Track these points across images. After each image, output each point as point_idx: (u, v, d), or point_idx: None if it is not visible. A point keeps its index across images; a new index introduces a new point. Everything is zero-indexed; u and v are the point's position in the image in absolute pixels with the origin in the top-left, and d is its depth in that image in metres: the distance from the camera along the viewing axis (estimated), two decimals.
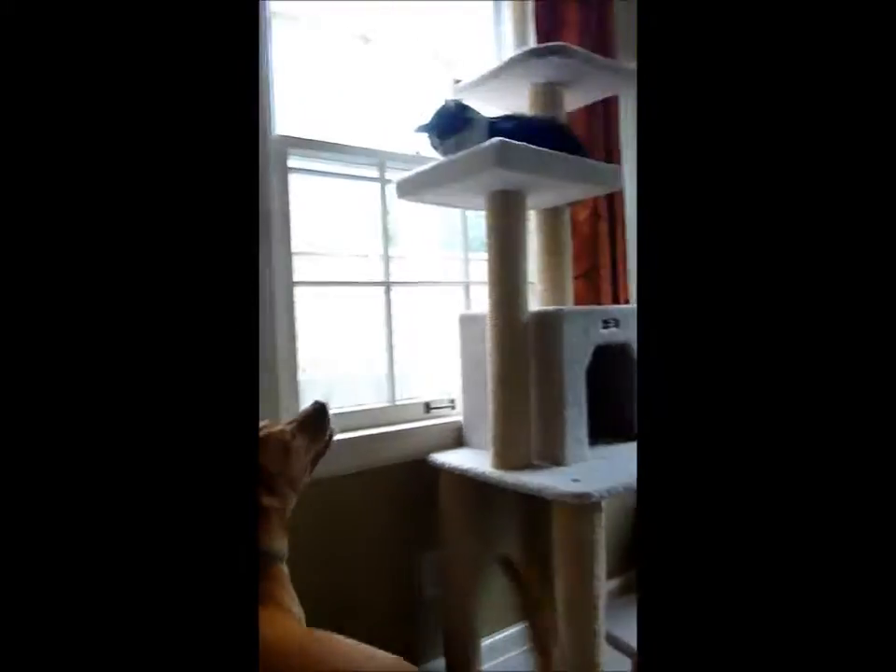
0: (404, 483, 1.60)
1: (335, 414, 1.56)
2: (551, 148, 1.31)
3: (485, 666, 1.67)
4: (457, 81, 1.65)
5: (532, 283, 1.72)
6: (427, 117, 1.38)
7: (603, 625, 1.27)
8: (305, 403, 1.21)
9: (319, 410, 1.15)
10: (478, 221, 1.90)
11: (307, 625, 1.03)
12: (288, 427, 1.09)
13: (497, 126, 1.34)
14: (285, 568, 1.05)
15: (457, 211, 1.89)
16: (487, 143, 1.24)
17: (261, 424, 1.08)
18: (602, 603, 1.26)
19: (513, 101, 1.64)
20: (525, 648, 1.84)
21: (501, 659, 1.78)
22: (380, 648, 1.51)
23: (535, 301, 1.70)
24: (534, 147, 1.28)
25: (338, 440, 1.43)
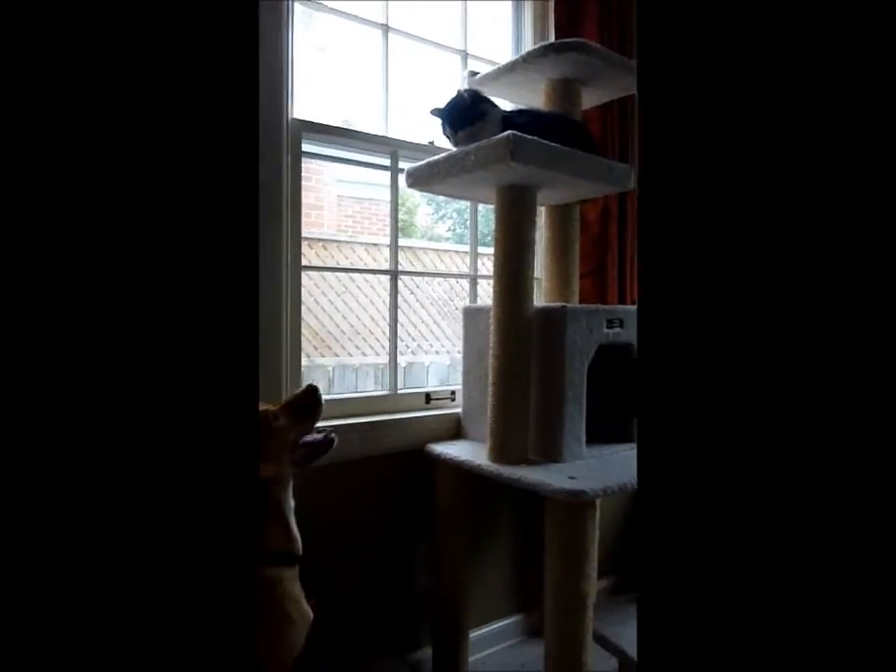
0: (402, 472, 1.61)
1: (338, 400, 1.58)
2: (564, 145, 1.31)
3: (472, 658, 1.67)
4: (474, 74, 1.65)
5: (538, 279, 1.73)
6: (442, 103, 1.38)
7: (591, 623, 1.28)
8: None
9: (309, 393, 1.15)
10: (488, 217, 1.90)
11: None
12: (273, 408, 1.10)
13: (511, 120, 1.34)
14: (290, 572, 1.05)
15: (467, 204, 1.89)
16: (500, 136, 1.24)
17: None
18: (592, 601, 1.27)
19: (529, 96, 1.63)
20: (513, 641, 1.86)
21: (489, 651, 1.79)
22: (369, 636, 1.53)
23: (540, 297, 1.71)
24: (547, 142, 1.28)
25: (339, 424, 1.45)
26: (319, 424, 1.17)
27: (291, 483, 1.11)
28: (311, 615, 1.06)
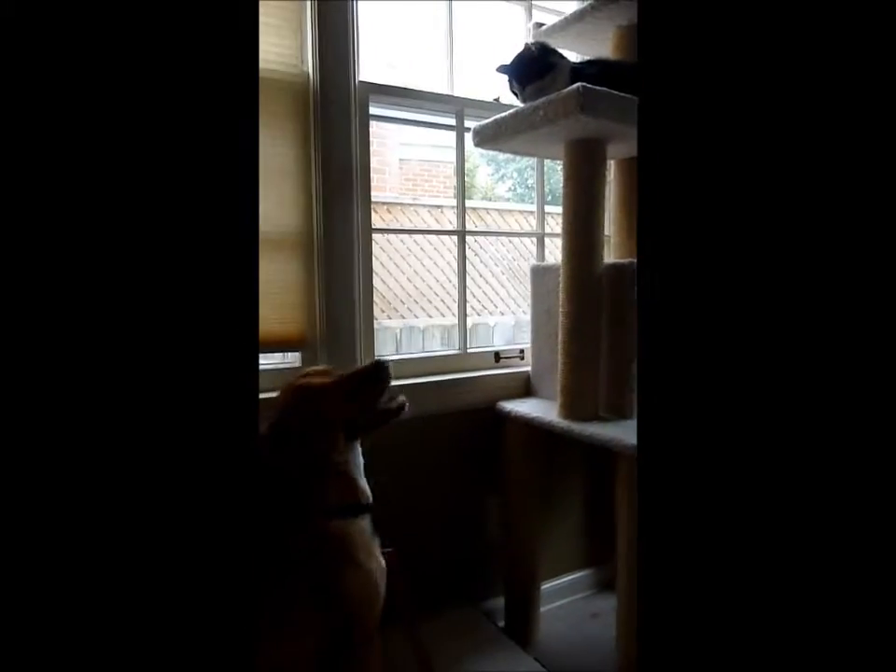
0: (473, 429, 1.65)
1: (409, 360, 1.62)
2: (636, 95, 1.27)
3: (544, 609, 1.72)
4: (539, 25, 1.61)
5: (607, 235, 1.70)
6: (508, 60, 1.36)
7: None
8: (380, 350, 1.22)
9: (371, 369, 1.12)
10: (549, 175, 1.87)
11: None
12: (331, 378, 1.10)
13: (580, 71, 1.31)
14: (359, 523, 1.05)
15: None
16: (569, 88, 1.21)
17: (318, 368, 1.10)
18: None
19: (598, 47, 1.58)
20: (584, 594, 1.89)
21: (560, 602, 1.84)
22: (444, 585, 1.60)
23: (609, 254, 1.68)
24: (618, 93, 1.24)
25: (411, 383, 1.49)
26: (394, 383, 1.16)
27: (353, 446, 1.10)
28: (383, 564, 1.06)
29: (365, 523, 1.07)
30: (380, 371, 1.11)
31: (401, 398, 1.16)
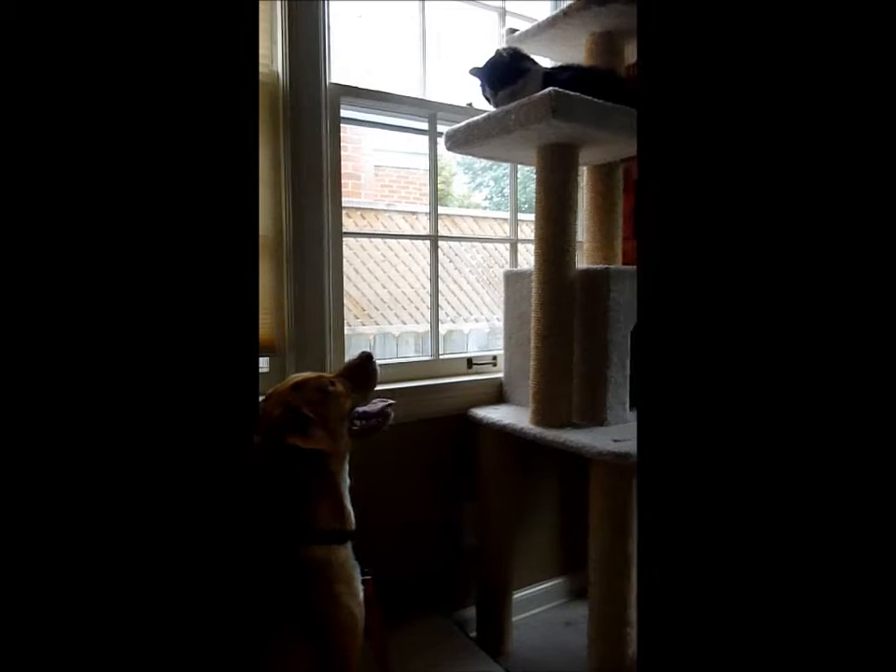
0: (445, 436, 1.63)
1: (382, 365, 1.58)
2: (608, 101, 1.27)
3: (516, 618, 1.70)
4: (512, 31, 1.61)
5: (580, 242, 1.70)
6: (480, 64, 1.35)
7: (635, 584, 1.28)
8: (351, 356, 1.21)
9: (364, 358, 1.13)
10: (525, 183, 1.86)
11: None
12: (329, 376, 1.09)
13: (552, 76, 1.31)
14: (342, 551, 0.99)
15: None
16: (541, 92, 1.21)
17: (306, 375, 1.07)
18: (634, 561, 1.27)
19: (570, 53, 1.59)
20: (557, 602, 1.88)
21: (533, 611, 1.82)
22: (415, 594, 1.57)
23: (582, 260, 1.68)
24: (590, 98, 1.24)
25: (383, 389, 1.46)
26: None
27: (348, 458, 1.06)
28: (361, 595, 1.00)
29: (348, 551, 1.02)
30: (369, 360, 1.12)
31: (388, 406, 1.13)
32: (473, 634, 1.63)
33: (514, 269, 1.75)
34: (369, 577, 1.04)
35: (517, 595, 1.74)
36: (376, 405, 1.13)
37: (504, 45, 1.57)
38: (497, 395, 1.70)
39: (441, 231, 1.69)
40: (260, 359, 1.44)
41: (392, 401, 1.14)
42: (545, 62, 1.51)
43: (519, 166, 1.85)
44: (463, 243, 3.87)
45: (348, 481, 1.06)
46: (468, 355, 1.75)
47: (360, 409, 1.11)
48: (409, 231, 3.74)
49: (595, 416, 1.40)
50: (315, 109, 1.41)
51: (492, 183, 8.02)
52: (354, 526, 1.04)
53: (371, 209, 3.93)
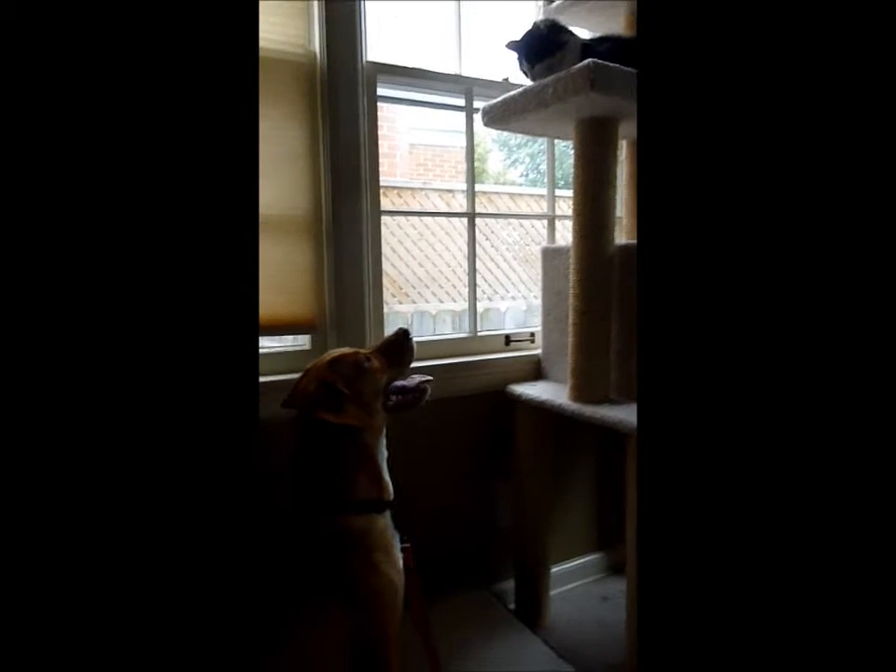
0: (483, 412, 1.64)
1: (420, 343, 1.60)
2: None
3: (553, 592, 1.72)
4: (550, 2, 1.58)
5: (619, 217, 1.68)
6: (517, 37, 1.34)
7: None
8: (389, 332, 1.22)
9: (400, 335, 1.14)
10: (562, 160, 1.84)
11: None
12: (365, 351, 1.10)
13: (591, 48, 1.28)
14: (381, 520, 1.02)
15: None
16: (580, 65, 1.19)
17: (343, 351, 1.09)
18: None
19: (609, 23, 1.55)
20: (594, 577, 1.89)
21: (571, 585, 1.84)
22: (455, 567, 1.60)
23: (621, 235, 1.66)
24: (630, 70, 1.22)
25: (421, 366, 1.48)
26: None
27: (384, 431, 1.08)
28: (401, 564, 1.03)
29: (387, 520, 1.05)
30: (406, 336, 1.13)
31: (425, 383, 1.14)
32: (512, 606, 1.66)
33: (552, 245, 1.74)
34: (408, 545, 1.07)
35: (555, 570, 1.75)
36: (413, 380, 1.14)
37: (541, 16, 1.54)
38: (535, 371, 1.71)
39: (478, 209, 1.69)
40: (302, 336, 1.48)
41: (429, 377, 1.15)
42: (583, 33, 1.48)
43: (556, 141, 1.83)
44: (499, 220, 3.86)
45: (385, 453, 1.08)
46: (506, 331, 1.76)
47: (398, 383, 1.12)
48: (446, 210, 3.74)
49: (632, 392, 1.40)
50: (352, 88, 1.41)
51: (527, 159, 7.91)
52: (392, 496, 1.07)
53: (408, 188, 3.94)
